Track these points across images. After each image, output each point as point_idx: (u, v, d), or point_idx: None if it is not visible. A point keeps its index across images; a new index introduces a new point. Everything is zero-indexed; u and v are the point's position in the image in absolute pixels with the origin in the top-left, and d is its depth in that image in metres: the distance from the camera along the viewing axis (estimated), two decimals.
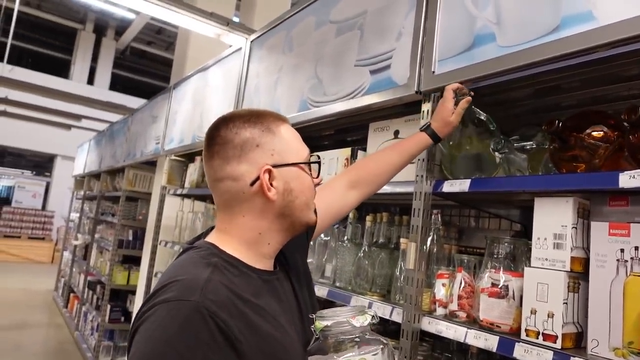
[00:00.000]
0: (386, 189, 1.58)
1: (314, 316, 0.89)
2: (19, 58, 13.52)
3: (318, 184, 0.98)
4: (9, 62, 9.56)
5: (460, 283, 1.35)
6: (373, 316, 0.90)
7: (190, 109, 3.38)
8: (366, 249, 1.75)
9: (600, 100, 1.44)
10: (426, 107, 1.45)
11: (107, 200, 6.11)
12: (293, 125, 2.13)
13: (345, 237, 1.86)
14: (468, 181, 1.32)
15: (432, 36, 1.43)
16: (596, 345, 1.06)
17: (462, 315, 1.34)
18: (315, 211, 1.18)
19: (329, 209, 1.24)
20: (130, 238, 4.92)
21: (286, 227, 0.93)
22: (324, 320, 0.87)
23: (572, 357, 1.02)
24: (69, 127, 13.30)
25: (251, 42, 2.63)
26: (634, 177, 0.98)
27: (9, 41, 8.60)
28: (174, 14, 3.14)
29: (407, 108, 1.65)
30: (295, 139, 0.95)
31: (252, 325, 0.78)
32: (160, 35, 13.78)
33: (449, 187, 1.37)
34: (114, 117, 7.46)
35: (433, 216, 1.51)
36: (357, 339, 0.87)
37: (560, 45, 1.07)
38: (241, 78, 2.63)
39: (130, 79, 15.73)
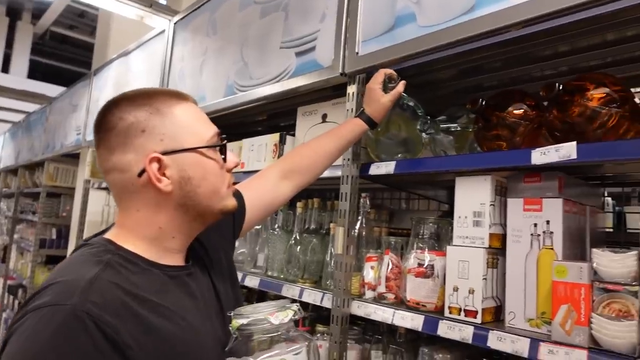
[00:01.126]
0: None
1: (231, 314, 0.84)
2: None
3: (233, 168, 0.90)
4: None
5: (388, 265, 1.36)
6: (296, 311, 0.86)
7: (113, 96, 3.16)
8: (297, 236, 1.72)
9: (518, 80, 1.49)
10: (351, 89, 1.43)
11: (27, 197, 5.65)
12: (219, 110, 2.07)
13: (276, 225, 1.82)
14: (393, 163, 1.32)
15: (355, 17, 1.41)
16: (513, 318, 1.10)
17: (391, 296, 1.34)
18: (239, 197, 1.11)
19: (261, 199, 1.17)
20: (54, 237, 4.59)
21: (192, 218, 0.85)
22: (241, 318, 0.82)
23: (490, 331, 1.05)
24: None
25: (174, 24, 2.49)
26: (544, 153, 1.01)
27: None
28: None
29: (335, 91, 1.62)
30: (194, 120, 0.85)
31: (150, 327, 0.70)
32: (83, 19, 12.86)
33: (375, 169, 1.37)
34: (33, 107, 6.89)
35: (362, 200, 1.50)
36: (283, 337, 0.83)
37: (475, 24, 1.08)
38: (165, 62, 2.49)
39: (51, 66, 14.59)
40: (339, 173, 1.42)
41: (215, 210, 0.86)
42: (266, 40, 1.75)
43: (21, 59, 13.38)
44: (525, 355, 0.99)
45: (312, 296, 1.48)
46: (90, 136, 3.44)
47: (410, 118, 1.41)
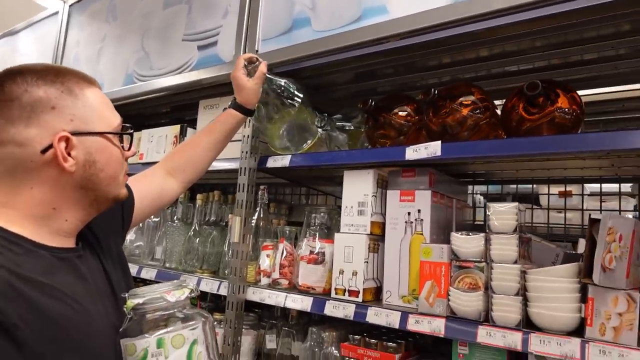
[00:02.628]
0: (213, 165, 1.59)
1: (126, 295, 0.85)
2: None
3: (129, 157, 0.91)
4: None
5: (282, 253, 1.44)
6: (192, 290, 0.89)
7: None
8: (197, 228, 1.74)
9: (408, 87, 1.65)
10: None
11: None
12: (117, 99, 2.02)
13: (176, 217, 1.82)
14: (289, 157, 1.40)
15: (256, 16, 1.47)
16: (389, 296, 1.24)
17: (284, 282, 1.43)
18: (129, 190, 1.11)
19: (149, 194, 1.17)
20: None
21: (89, 202, 0.84)
22: (136, 297, 0.83)
23: (369, 307, 1.18)
24: None
25: (70, 6, 2.35)
26: (416, 150, 1.16)
27: None
28: None
29: None
30: (103, 106, 0.85)
31: (38, 308, 0.69)
32: None
33: (272, 162, 1.44)
34: None
35: (260, 192, 1.57)
36: (179, 315, 0.86)
37: (360, 33, 1.20)
38: (58, 46, 2.34)
39: None
40: (236, 165, 1.48)
41: (110, 196, 0.87)
42: (168, 32, 1.75)
43: None
44: (397, 326, 1.12)
45: (210, 285, 1.51)
46: None
47: (288, 101, 1.40)
